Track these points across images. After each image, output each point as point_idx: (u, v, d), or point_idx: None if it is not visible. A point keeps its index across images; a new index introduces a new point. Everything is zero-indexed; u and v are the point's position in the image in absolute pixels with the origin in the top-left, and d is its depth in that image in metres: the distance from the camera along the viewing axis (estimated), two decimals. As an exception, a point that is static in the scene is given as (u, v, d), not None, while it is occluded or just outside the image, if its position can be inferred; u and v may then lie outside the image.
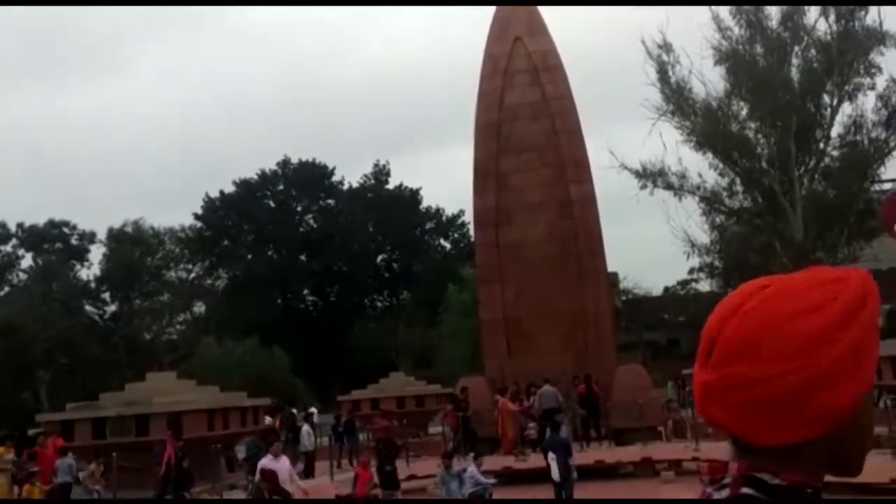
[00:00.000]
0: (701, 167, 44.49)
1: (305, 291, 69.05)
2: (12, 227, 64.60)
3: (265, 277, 64.09)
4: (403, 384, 32.13)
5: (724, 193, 44.66)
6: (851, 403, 1.06)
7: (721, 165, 43.37)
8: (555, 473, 13.54)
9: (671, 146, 44.73)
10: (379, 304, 70.98)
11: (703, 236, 45.37)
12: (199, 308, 67.68)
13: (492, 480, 16.31)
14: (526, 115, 24.83)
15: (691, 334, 58.39)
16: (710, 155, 43.10)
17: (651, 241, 73.26)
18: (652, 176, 44.87)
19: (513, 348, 23.71)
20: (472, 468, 15.48)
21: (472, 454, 18.45)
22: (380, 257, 71.07)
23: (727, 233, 45.72)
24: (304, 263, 66.31)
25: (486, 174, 24.68)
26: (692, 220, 44.98)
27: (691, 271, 54.45)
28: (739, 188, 44.11)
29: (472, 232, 70.46)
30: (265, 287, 63.41)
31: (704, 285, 56.15)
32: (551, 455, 13.68)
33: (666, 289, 58.83)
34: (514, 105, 24.90)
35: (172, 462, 15.10)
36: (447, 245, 71.39)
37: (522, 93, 24.98)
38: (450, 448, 18.18)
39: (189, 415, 18.33)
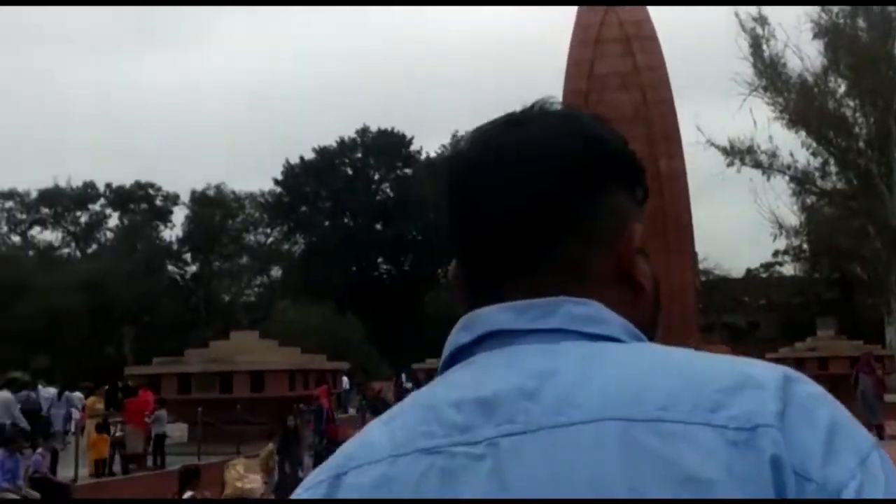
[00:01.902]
0: (793, 146, 42.80)
1: (380, 259, 69.55)
2: (101, 187, 66.71)
3: (341, 244, 64.75)
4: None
5: (817, 174, 42.93)
6: None
7: (814, 145, 41.66)
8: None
9: (762, 123, 42.96)
10: (453, 274, 71.11)
11: (792, 218, 43.83)
12: (276, 272, 69.05)
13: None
14: (615, 86, 24.12)
15: (772, 318, 56.68)
16: (802, 133, 41.42)
17: (734, 222, 70.91)
18: (740, 153, 43.42)
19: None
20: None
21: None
22: (454, 228, 71.05)
23: (817, 215, 44.08)
24: (378, 232, 66.74)
25: (572, 146, 24.15)
26: (780, 201, 43.50)
27: (776, 254, 52.85)
28: (833, 169, 42.30)
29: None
30: (340, 254, 64.09)
31: (789, 269, 54.45)
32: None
33: (748, 271, 57.07)
34: (604, 75, 24.21)
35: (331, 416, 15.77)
36: (524, 218, 70.87)
37: (613, 62, 24.25)
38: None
39: (271, 374, 18.63)
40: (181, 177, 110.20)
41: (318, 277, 60.94)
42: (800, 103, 40.11)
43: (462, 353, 0.79)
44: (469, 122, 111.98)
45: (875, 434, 17.02)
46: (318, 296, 53.90)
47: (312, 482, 0.75)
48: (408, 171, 70.69)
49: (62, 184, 64.83)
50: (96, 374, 35.68)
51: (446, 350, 0.81)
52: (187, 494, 9.23)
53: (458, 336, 0.81)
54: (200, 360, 19.33)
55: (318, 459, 12.94)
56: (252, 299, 67.02)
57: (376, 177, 70.53)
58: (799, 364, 27.52)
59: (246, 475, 15.47)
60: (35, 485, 11.60)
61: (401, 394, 23.83)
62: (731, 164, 43.72)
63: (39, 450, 12.15)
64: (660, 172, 23.35)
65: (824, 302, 49.15)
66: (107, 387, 17.63)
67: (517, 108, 0.88)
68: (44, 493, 11.58)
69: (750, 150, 43.21)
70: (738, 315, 55.08)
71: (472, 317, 0.81)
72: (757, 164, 43.29)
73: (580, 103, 23.98)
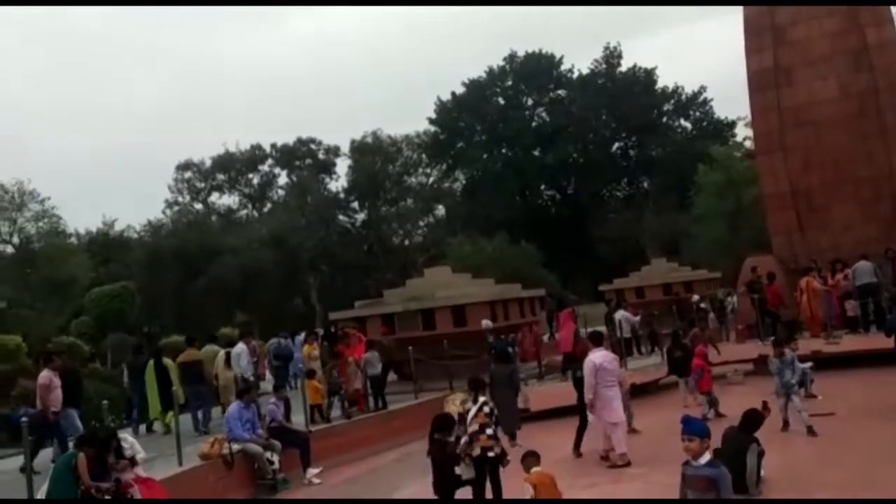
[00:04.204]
0: None
1: (543, 186, 68.29)
2: (267, 148, 69.19)
3: (502, 175, 64.09)
4: (667, 270, 30.56)
5: None
6: None
7: None
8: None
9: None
10: (618, 193, 68.75)
11: None
12: (440, 210, 69.50)
13: (808, 364, 14.74)
14: (806, -47, 21.52)
15: None
16: None
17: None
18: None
19: (803, 223, 21.32)
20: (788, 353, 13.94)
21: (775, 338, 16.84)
22: (615, 145, 68.38)
23: None
24: (538, 158, 65.33)
25: (760, 30, 21.87)
26: None
27: None
28: None
29: (715, 110, 65.90)
30: (502, 185, 63.47)
31: None
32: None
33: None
34: (791, -56, 21.64)
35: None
36: (688, 125, 67.07)
37: (798, -73, 21.60)
38: (775, 336, 16.52)
39: (471, 307, 18.29)
40: (339, 129, 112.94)
41: (483, 210, 60.72)
42: None
43: None
44: (621, 32, 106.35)
45: None
46: (483, 229, 53.69)
47: None
48: (560, 92, 68.49)
49: (232, 149, 67.93)
50: (293, 323, 37.24)
51: None
52: (483, 397, 9.42)
53: None
54: (400, 299, 19.29)
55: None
56: (420, 239, 67.92)
57: (529, 102, 68.84)
58: None
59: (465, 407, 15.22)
60: (273, 433, 11.78)
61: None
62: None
63: (273, 399, 12.32)
64: (867, 44, 20.82)
65: None
66: (322, 332, 17.99)
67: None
68: (283, 440, 11.73)
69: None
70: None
71: None
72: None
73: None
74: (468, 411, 9.17)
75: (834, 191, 20.86)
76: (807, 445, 11.28)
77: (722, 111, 65.45)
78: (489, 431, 8.88)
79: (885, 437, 11.14)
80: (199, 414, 14.02)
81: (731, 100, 64.58)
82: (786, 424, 11.96)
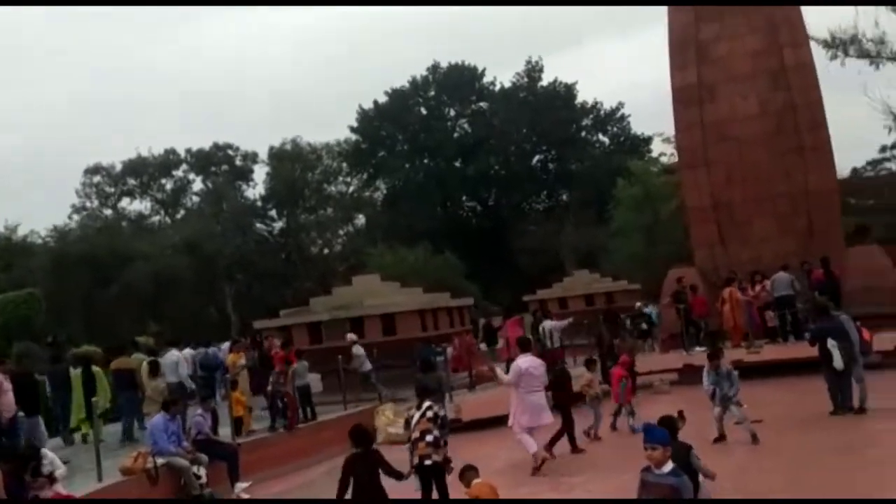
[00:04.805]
0: (904, 29, 39.52)
1: (464, 197, 68.42)
2: (181, 153, 67.18)
3: (423, 185, 63.95)
4: (590, 281, 30.99)
5: (934, 55, 39.67)
6: None
7: (931, 24, 38.41)
8: (837, 362, 12.11)
9: (865, 10, 39.70)
10: (538, 205, 69.51)
11: (906, 107, 40.66)
12: (360, 220, 68.86)
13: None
14: (728, -26, 22.18)
15: (883, 219, 53.66)
16: (914, 13, 38.08)
17: (838, 120, 67.03)
18: (843, 45, 40.46)
19: (725, 236, 21.88)
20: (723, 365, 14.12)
21: (699, 349, 17.19)
22: (536, 158, 69.11)
23: (936, 101, 40.76)
24: (460, 169, 65.42)
25: (685, 46, 22.41)
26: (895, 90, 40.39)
27: (883, 149, 49.68)
28: (954, 48, 38.97)
29: (632, 126, 67.51)
30: (424, 195, 63.34)
31: (898, 165, 51.06)
32: (832, 342, 12.19)
33: (854, 171, 53.82)
34: (712, -34, 22.26)
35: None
36: (606, 140, 68.43)
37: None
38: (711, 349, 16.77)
39: (401, 316, 18.01)
40: (257, 135, 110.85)
41: (404, 220, 60.44)
42: (912, -20, 36.77)
43: None
44: (542, 48, 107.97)
45: None
46: (405, 238, 53.44)
47: None
48: (483, 104, 68.87)
49: (144, 153, 65.70)
50: (207, 332, 36.07)
51: None
52: (427, 402, 8.89)
53: None
54: (327, 307, 18.85)
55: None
56: (339, 248, 67.14)
57: (451, 114, 68.98)
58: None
59: (396, 420, 14.90)
60: (200, 446, 11.22)
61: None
62: (833, 58, 40.76)
63: (199, 411, 11.75)
64: (784, 65, 21.56)
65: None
66: (248, 340, 17.35)
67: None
68: (210, 453, 11.18)
69: (854, 40, 40.12)
70: (847, 217, 52.18)
71: None
72: (863, 54, 40.16)
73: (689, 10, 22.13)
74: (412, 417, 8.84)
75: (754, 205, 21.48)
76: (738, 453, 11.42)
77: (637, 127, 67.23)
78: (429, 438, 8.52)
79: (809, 443, 11.42)
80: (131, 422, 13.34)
81: (647, 116, 66.49)
82: (722, 437, 12.00)
